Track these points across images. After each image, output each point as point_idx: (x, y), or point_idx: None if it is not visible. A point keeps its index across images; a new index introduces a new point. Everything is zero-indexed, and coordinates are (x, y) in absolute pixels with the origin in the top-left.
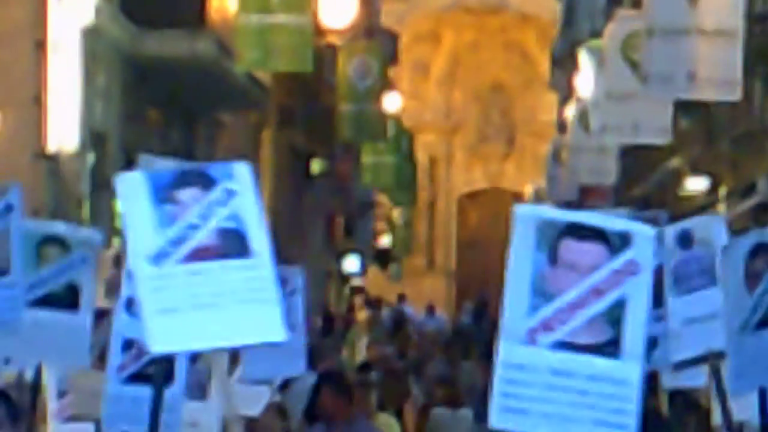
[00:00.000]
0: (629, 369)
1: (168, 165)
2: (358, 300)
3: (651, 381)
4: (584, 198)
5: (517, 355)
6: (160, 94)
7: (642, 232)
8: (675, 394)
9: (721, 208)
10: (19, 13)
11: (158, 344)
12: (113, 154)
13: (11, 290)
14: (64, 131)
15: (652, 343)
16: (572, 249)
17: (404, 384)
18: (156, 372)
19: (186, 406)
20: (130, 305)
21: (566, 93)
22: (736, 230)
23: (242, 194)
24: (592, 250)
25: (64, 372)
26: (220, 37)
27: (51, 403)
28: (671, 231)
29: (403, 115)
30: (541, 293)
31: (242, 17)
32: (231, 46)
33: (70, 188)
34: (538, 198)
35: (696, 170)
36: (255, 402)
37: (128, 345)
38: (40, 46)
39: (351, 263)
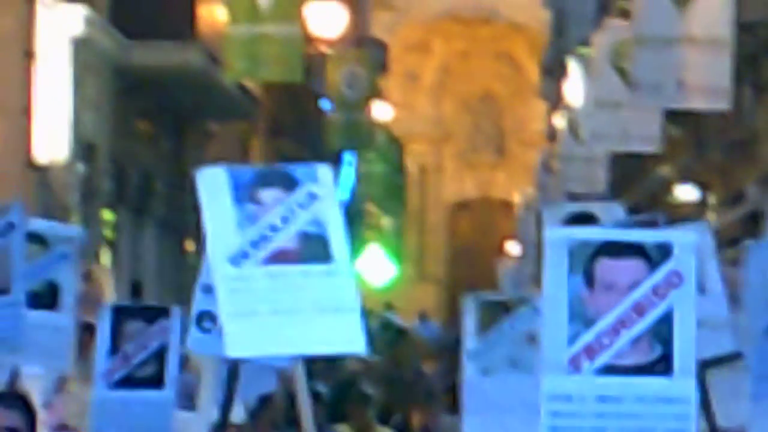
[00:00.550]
0: (683, 386)
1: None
2: None
3: None
4: None
5: (561, 385)
6: (150, 105)
7: (681, 240)
8: None
9: (711, 216)
10: (8, 23)
11: (235, 349)
12: (103, 164)
13: (12, 309)
14: (53, 141)
15: None
16: (609, 268)
17: (409, 393)
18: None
19: (174, 416)
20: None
21: (556, 102)
22: (725, 239)
23: (325, 198)
24: (629, 266)
25: (47, 380)
26: (209, 47)
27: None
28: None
29: (392, 124)
30: (581, 318)
31: (231, 27)
32: (220, 57)
33: (60, 198)
34: (528, 207)
35: (685, 179)
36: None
37: (114, 350)
38: (30, 56)
39: None
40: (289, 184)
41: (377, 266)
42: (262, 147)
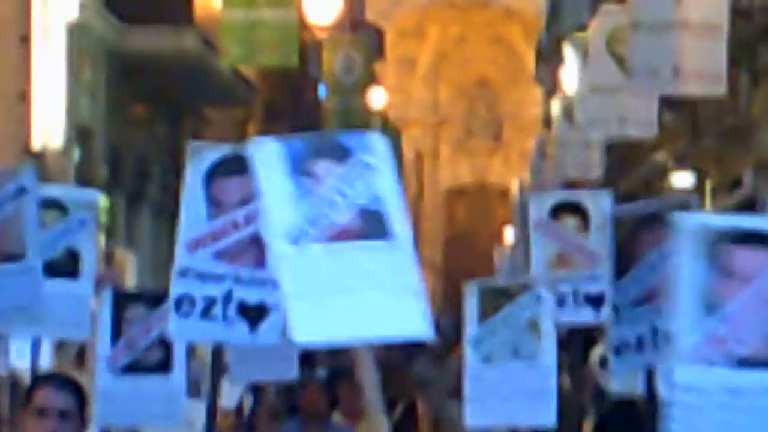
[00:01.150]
0: None
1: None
2: None
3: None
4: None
5: (690, 377)
6: (146, 90)
7: None
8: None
9: (707, 202)
10: (3, 9)
11: (302, 334)
12: (99, 150)
13: (28, 275)
14: (49, 127)
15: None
16: (741, 256)
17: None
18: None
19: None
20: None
21: (552, 87)
22: None
23: (379, 169)
24: (762, 255)
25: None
26: (205, 32)
27: None
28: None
29: (388, 110)
30: (711, 307)
31: (227, 13)
32: (216, 42)
33: (56, 184)
34: (524, 193)
35: (682, 164)
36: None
37: (116, 336)
38: (25, 41)
39: None
40: (342, 154)
41: None
42: (258, 132)
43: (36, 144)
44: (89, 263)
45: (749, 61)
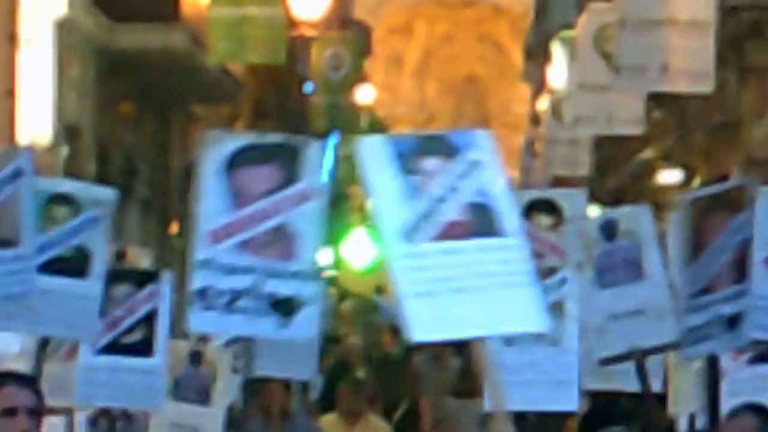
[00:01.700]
0: None
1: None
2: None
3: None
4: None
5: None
6: (134, 87)
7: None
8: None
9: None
10: None
11: (420, 332)
12: (87, 147)
13: (22, 262)
14: (37, 124)
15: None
16: None
17: (396, 377)
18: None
19: (187, 410)
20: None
21: (539, 85)
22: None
23: (488, 165)
24: None
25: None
26: (193, 29)
27: None
28: (595, 221)
29: (376, 107)
30: None
31: (215, 10)
32: (204, 39)
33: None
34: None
35: (670, 162)
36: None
37: (101, 313)
38: (13, 38)
39: (324, 254)
40: (450, 151)
41: (361, 248)
42: (246, 130)
43: (24, 141)
44: (99, 262)
45: (737, 58)
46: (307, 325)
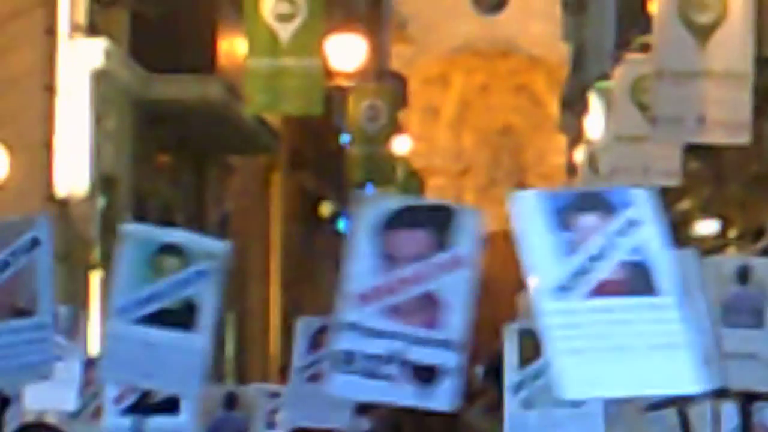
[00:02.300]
0: None
1: None
2: None
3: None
4: None
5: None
6: (170, 138)
7: None
8: None
9: (732, 250)
10: (28, 57)
11: (572, 390)
12: (123, 198)
13: (38, 332)
14: (73, 175)
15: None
16: None
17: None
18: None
19: None
20: None
21: (576, 136)
22: None
23: (645, 224)
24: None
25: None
26: (229, 80)
27: None
28: (732, 263)
29: (412, 157)
30: None
31: (251, 61)
32: (240, 90)
33: (80, 232)
34: None
35: (706, 212)
36: None
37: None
38: (50, 89)
39: None
40: (606, 209)
41: None
42: (282, 181)
43: (60, 192)
44: (207, 316)
45: None
46: (447, 395)
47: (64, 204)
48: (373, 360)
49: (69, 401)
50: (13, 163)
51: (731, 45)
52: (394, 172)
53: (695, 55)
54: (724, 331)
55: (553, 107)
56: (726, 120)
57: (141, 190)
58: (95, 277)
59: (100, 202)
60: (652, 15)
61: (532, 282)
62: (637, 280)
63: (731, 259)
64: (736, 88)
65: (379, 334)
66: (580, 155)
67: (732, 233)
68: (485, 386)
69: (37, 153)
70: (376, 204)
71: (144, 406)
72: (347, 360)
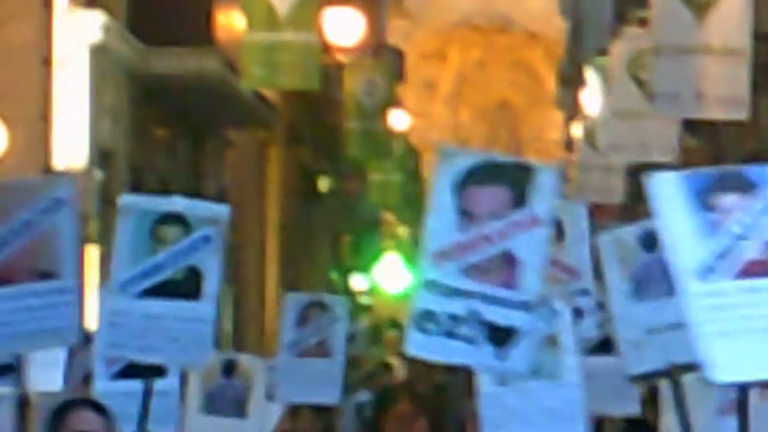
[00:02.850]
0: None
1: None
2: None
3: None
4: (591, 216)
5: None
6: (168, 112)
7: None
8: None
9: None
10: (26, 31)
11: (722, 373)
12: (120, 172)
13: (63, 296)
14: (71, 148)
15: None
16: None
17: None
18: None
19: (223, 423)
20: None
21: (573, 111)
22: None
23: None
24: None
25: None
26: (227, 54)
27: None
28: (633, 231)
29: (410, 133)
30: None
31: (249, 35)
32: (238, 64)
33: (78, 206)
34: None
35: None
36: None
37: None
38: (48, 63)
39: (358, 281)
40: (747, 188)
41: (395, 274)
42: (280, 155)
43: (58, 165)
44: (212, 283)
45: None
46: (523, 357)
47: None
48: (450, 320)
49: (55, 382)
50: (10, 137)
51: (730, 21)
52: (391, 147)
53: (693, 30)
54: (640, 306)
55: (551, 82)
56: (724, 96)
57: (138, 163)
58: (92, 252)
59: (98, 175)
60: None
61: (674, 263)
62: None
63: (629, 228)
64: (734, 64)
65: (458, 293)
66: (577, 131)
67: None
68: None
69: (35, 126)
70: (456, 159)
71: (134, 369)
72: (425, 320)
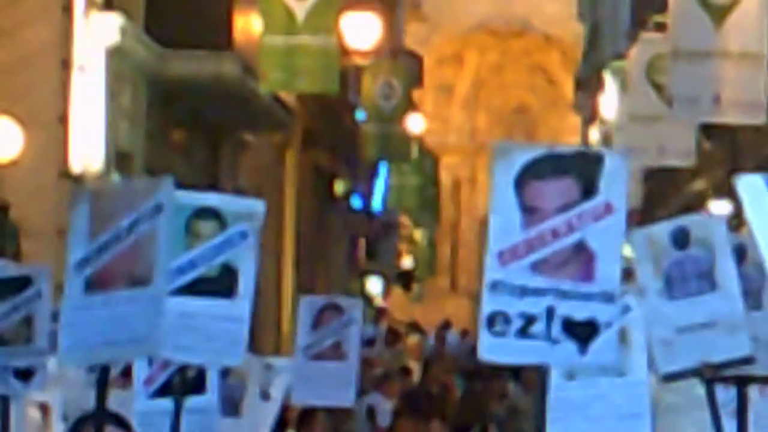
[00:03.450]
0: None
1: None
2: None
3: None
4: None
5: None
6: (185, 115)
7: None
8: None
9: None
10: (44, 33)
11: None
12: (137, 174)
13: (152, 304)
14: (88, 151)
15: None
16: None
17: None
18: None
19: (218, 422)
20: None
21: (590, 115)
22: None
23: None
24: None
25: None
26: (244, 57)
27: (56, 425)
28: (666, 228)
29: (426, 136)
30: None
31: (267, 38)
32: (256, 67)
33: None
34: None
35: (720, 193)
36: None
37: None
38: (66, 65)
39: (374, 284)
40: None
41: (408, 278)
42: (296, 158)
43: (75, 168)
44: (248, 281)
45: None
46: (606, 350)
47: (78, 180)
48: (522, 320)
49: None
50: (28, 139)
51: (747, 25)
52: (408, 150)
53: (711, 35)
54: (672, 304)
55: (568, 87)
56: (741, 100)
57: (155, 166)
58: None
59: (115, 178)
60: None
61: (765, 263)
62: None
63: (662, 226)
64: (751, 69)
65: (529, 292)
66: (594, 135)
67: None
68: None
69: (53, 129)
70: (513, 156)
71: (175, 386)
72: (495, 322)
